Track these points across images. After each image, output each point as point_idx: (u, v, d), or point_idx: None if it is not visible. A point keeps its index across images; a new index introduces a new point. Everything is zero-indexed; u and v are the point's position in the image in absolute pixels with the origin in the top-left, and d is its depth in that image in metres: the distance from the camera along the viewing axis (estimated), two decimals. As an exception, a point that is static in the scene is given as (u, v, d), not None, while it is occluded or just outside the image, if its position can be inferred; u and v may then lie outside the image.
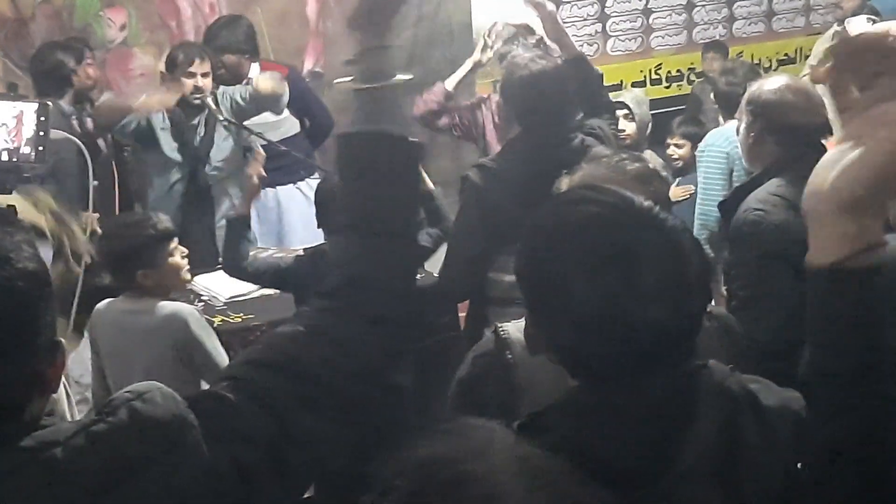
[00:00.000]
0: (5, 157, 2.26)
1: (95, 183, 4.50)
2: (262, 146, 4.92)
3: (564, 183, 2.31)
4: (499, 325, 2.02)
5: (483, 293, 3.59)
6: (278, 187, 5.32)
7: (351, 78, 1.56)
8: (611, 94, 5.43)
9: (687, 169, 5.43)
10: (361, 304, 1.46)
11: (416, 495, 0.87)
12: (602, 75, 4.12)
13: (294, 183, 5.41)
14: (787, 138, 2.97)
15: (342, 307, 1.46)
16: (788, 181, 2.88)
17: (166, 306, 3.34)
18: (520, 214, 3.37)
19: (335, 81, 1.57)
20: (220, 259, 4.15)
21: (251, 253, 3.90)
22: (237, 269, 3.87)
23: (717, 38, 7.12)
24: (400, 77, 1.59)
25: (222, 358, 3.32)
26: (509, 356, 1.93)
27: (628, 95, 5.49)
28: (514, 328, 1.97)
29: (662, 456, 1.36)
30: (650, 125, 5.37)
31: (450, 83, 4.86)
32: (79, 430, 1.27)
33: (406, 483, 0.89)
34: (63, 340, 1.37)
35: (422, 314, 1.55)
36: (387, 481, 0.91)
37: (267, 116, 5.20)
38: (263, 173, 3.90)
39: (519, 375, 1.91)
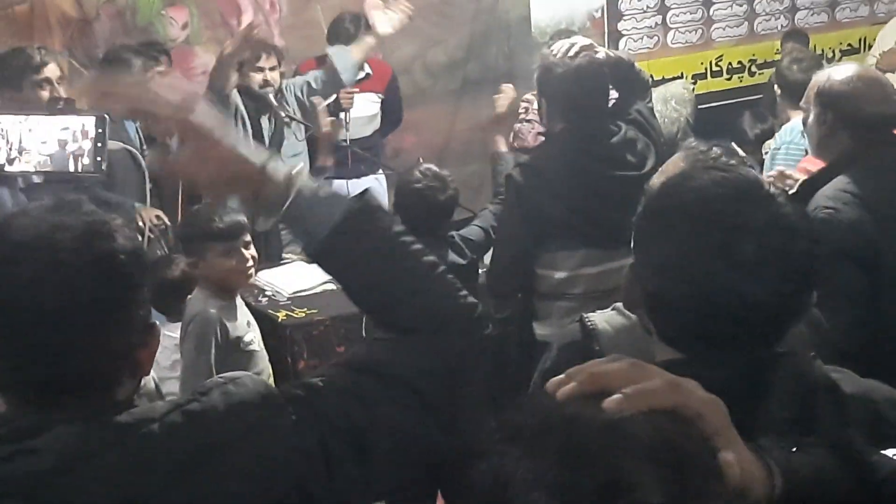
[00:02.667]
0: (65, 167, 2.31)
1: (151, 185, 4.60)
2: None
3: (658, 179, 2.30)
4: (585, 315, 2.02)
5: (532, 288, 3.63)
6: (362, 178, 5.53)
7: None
8: None
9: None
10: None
11: (569, 442, 0.89)
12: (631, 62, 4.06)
13: (374, 174, 5.67)
14: (859, 130, 2.92)
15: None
16: (859, 175, 2.84)
17: (191, 301, 3.46)
18: (565, 213, 3.41)
19: None
20: None
21: None
22: None
23: (779, 29, 7.03)
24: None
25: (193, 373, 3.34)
26: (597, 347, 1.94)
27: (656, 92, 5.42)
28: (601, 318, 1.97)
29: None
30: (683, 121, 5.34)
31: None
32: (174, 407, 1.33)
33: (558, 429, 0.91)
34: (158, 324, 1.43)
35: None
36: (535, 426, 0.92)
37: (367, 110, 5.53)
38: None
39: None
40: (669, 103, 5.38)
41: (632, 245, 1.53)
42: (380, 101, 5.73)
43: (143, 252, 1.41)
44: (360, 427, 1.37)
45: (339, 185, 5.40)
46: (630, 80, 3.78)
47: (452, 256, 3.75)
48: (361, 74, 5.52)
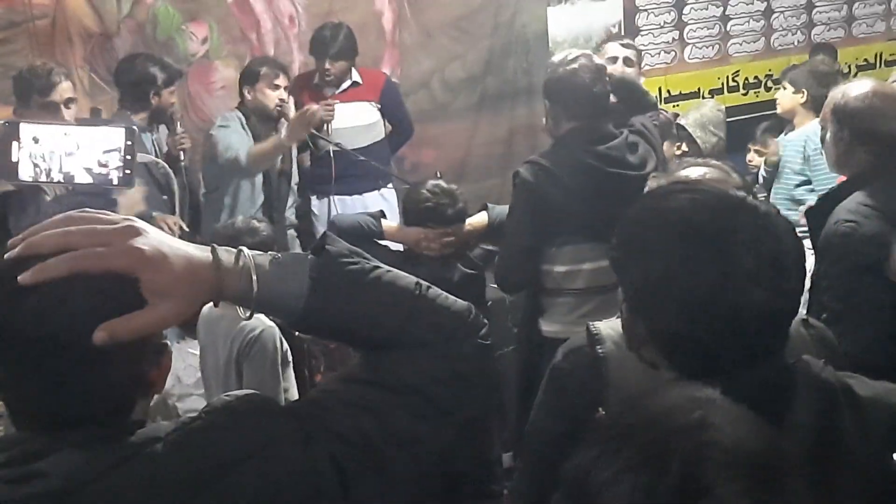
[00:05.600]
0: (93, 180, 2.31)
1: (165, 196, 4.64)
2: (342, 153, 5.14)
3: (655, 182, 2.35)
4: (590, 322, 2.05)
5: (536, 284, 3.76)
6: (365, 194, 5.50)
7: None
8: (674, 116, 5.52)
9: (767, 177, 5.42)
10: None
11: (654, 443, 0.91)
12: (635, 80, 4.35)
13: (378, 189, 5.58)
14: (876, 146, 2.93)
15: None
16: (879, 190, 2.84)
17: (248, 321, 3.38)
18: (569, 208, 3.52)
19: None
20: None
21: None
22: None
23: (796, 44, 7.04)
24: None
25: (265, 390, 3.24)
26: (600, 351, 1.96)
27: (692, 117, 5.44)
28: (606, 325, 2.00)
29: None
30: (722, 143, 5.38)
31: None
32: (178, 427, 1.31)
33: (644, 432, 0.94)
34: (169, 343, 1.41)
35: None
36: (619, 433, 0.95)
37: (361, 119, 5.44)
38: None
39: (609, 370, 1.93)
40: (708, 129, 5.43)
41: (622, 287, 1.54)
42: (377, 109, 5.59)
43: None
44: (374, 440, 1.35)
45: (322, 204, 5.42)
46: (634, 96, 4.01)
47: (461, 268, 3.79)
48: (348, 83, 5.46)
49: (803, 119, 5.11)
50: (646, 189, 2.34)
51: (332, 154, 5.31)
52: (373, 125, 5.56)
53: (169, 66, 5.08)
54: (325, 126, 5.27)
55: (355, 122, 5.44)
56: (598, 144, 3.67)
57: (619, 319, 2.08)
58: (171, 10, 5.77)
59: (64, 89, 4.45)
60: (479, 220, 3.90)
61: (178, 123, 5.05)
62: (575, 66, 3.68)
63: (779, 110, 5.33)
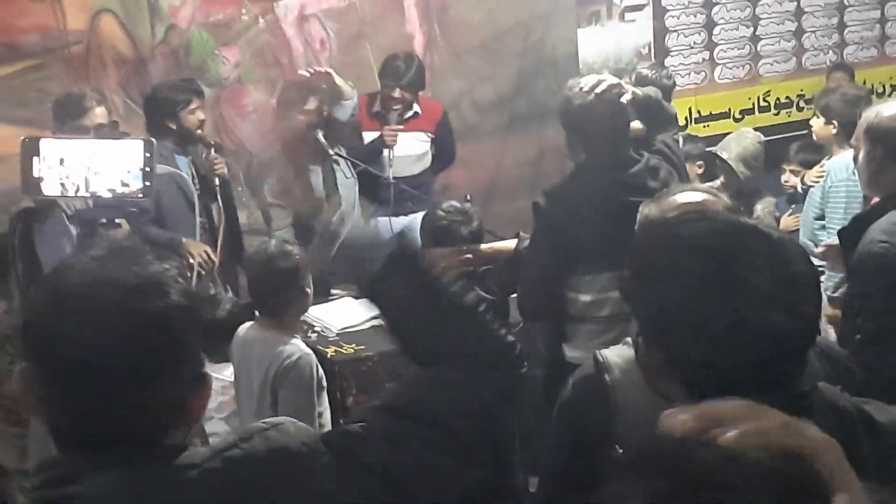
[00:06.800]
0: (111, 192, 2.34)
1: (202, 219, 4.66)
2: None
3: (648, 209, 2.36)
4: (598, 350, 2.07)
5: (561, 311, 3.73)
6: (411, 215, 5.54)
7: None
8: (710, 146, 5.48)
9: (800, 196, 5.37)
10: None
11: (684, 474, 0.91)
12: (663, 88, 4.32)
13: (420, 211, 5.62)
14: None
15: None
16: None
17: (285, 346, 3.44)
18: (589, 238, 3.50)
19: None
20: None
21: None
22: None
23: (828, 63, 7.01)
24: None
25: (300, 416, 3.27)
26: (607, 379, 1.97)
27: (734, 150, 5.39)
28: (613, 353, 2.03)
29: None
30: (759, 171, 5.36)
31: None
32: (214, 454, 1.33)
33: (672, 464, 0.93)
34: (210, 373, 1.42)
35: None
36: (646, 465, 0.94)
37: (416, 149, 5.56)
38: None
39: (616, 397, 1.95)
40: (750, 162, 5.40)
41: (636, 318, 1.55)
42: (429, 139, 5.70)
43: (197, 305, 1.38)
44: (402, 473, 1.38)
45: (383, 222, 5.49)
46: (657, 115, 3.94)
47: (478, 292, 3.79)
48: (409, 113, 5.55)
49: (836, 150, 5.03)
50: (638, 215, 2.34)
51: (391, 180, 5.40)
52: (423, 155, 5.68)
53: (182, 87, 5.03)
54: (388, 152, 5.37)
55: (411, 151, 5.56)
56: (618, 171, 3.63)
57: (624, 346, 2.09)
58: (205, 36, 5.84)
59: (96, 115, 4.47)
60: (506, 244, 3.89)
61: (213, 148, 5.01)
62: (591, 97, 3.62)
63: (814, 137, 5.27)
